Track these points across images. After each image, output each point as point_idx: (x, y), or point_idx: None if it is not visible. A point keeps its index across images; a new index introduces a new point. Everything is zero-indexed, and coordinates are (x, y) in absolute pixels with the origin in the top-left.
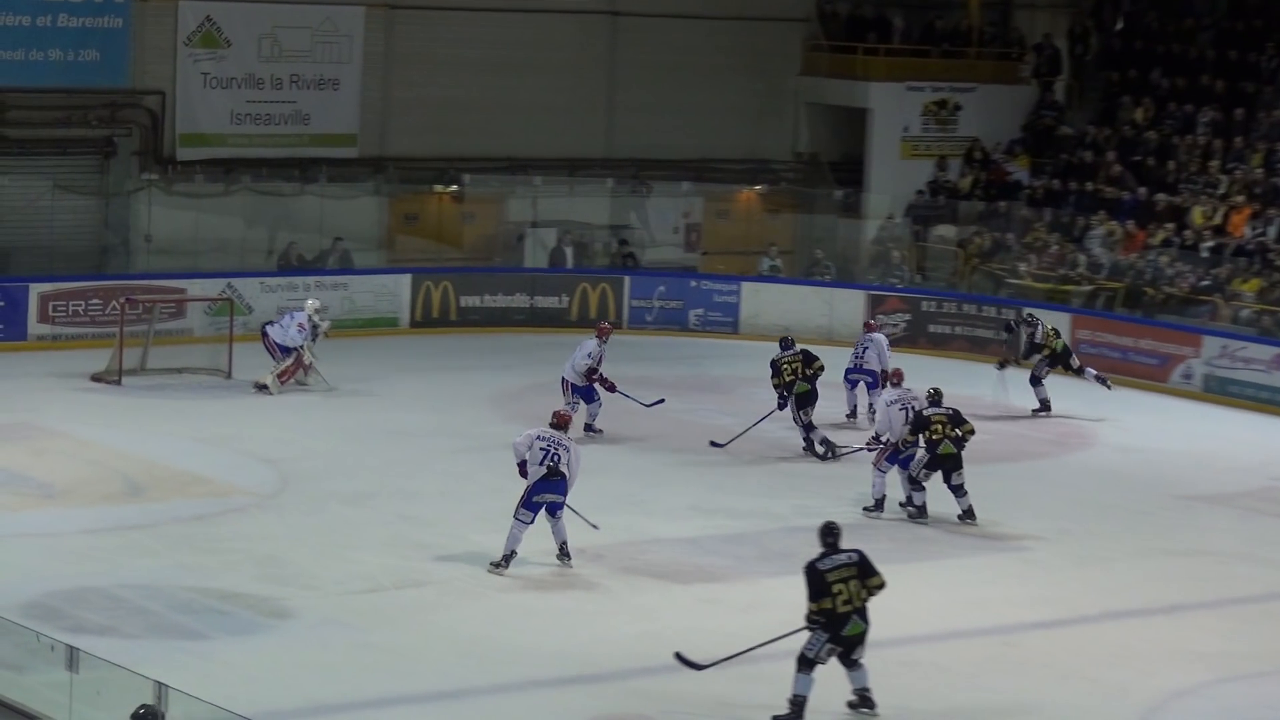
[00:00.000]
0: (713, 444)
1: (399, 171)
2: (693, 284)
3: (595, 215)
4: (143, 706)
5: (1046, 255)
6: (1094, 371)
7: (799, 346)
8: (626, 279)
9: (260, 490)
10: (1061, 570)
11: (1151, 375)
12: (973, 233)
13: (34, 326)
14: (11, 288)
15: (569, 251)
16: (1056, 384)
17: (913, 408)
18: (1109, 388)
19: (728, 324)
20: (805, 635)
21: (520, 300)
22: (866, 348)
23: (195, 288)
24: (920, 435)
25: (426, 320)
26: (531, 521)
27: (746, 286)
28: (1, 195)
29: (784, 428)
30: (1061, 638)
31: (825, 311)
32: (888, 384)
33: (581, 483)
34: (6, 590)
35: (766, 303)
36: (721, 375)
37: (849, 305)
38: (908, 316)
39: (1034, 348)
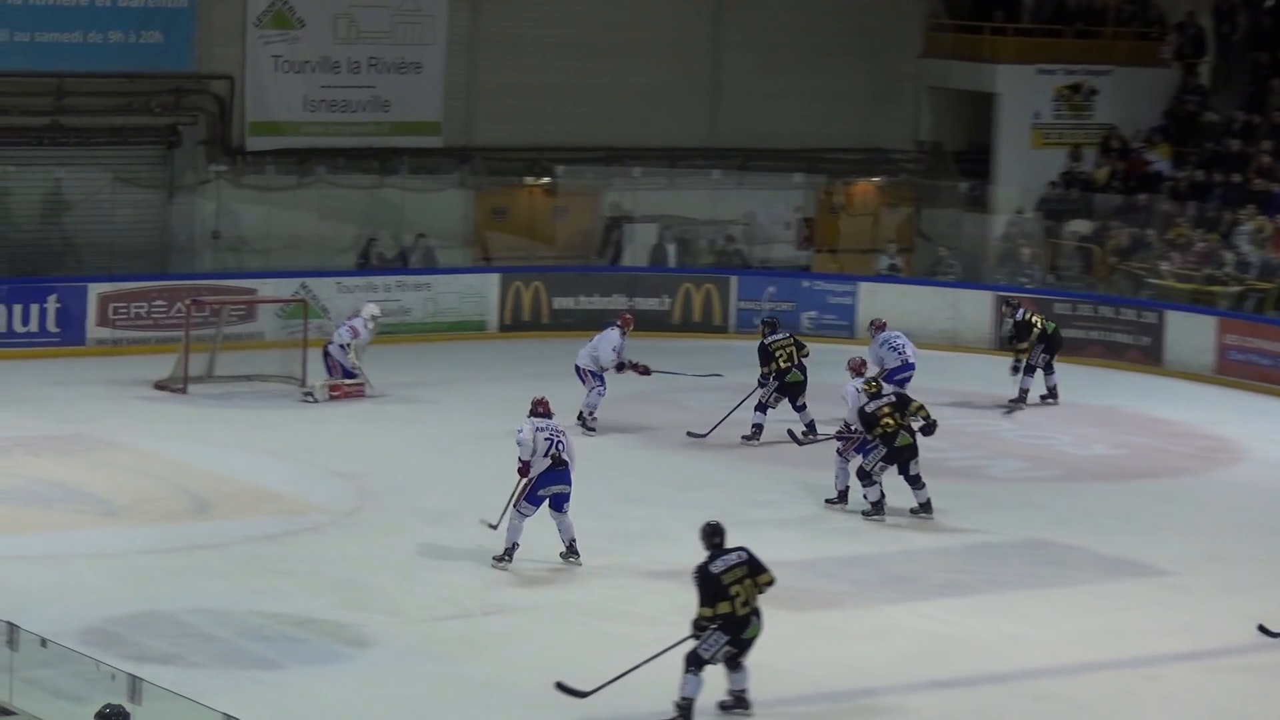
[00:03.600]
0: (690, 434)
1: (486, 162)
2: (805, 284)
3: (699, 209)
4: (108, 706)
5: (1190, 253)
6: (1056, 381)
7: (785, 331)
8: (733, 279)
9: (337, 507)
10: (1208, 597)
11: None
12: (1109, 228)
13: (93, 330)
14: (69, 288)
15: (671, 249)
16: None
17: (889, 397)
18: (1045, 399)
19: (843, 328)
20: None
21: (618, 302)
22: (902, 342)
23: (266, 288)
24: (874, 431)
25: (516, 323)
26: (533, 514)
27: (863, 287)
28: (58, 188)
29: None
30: (1208, 671)
31: (949, 314)
32: (851, 373)
33: (687, 498)
34: (64, 615)
35: (885, 304)
36: (836, 383)
37: (975, 307)
38: None
39: (1020, 326)
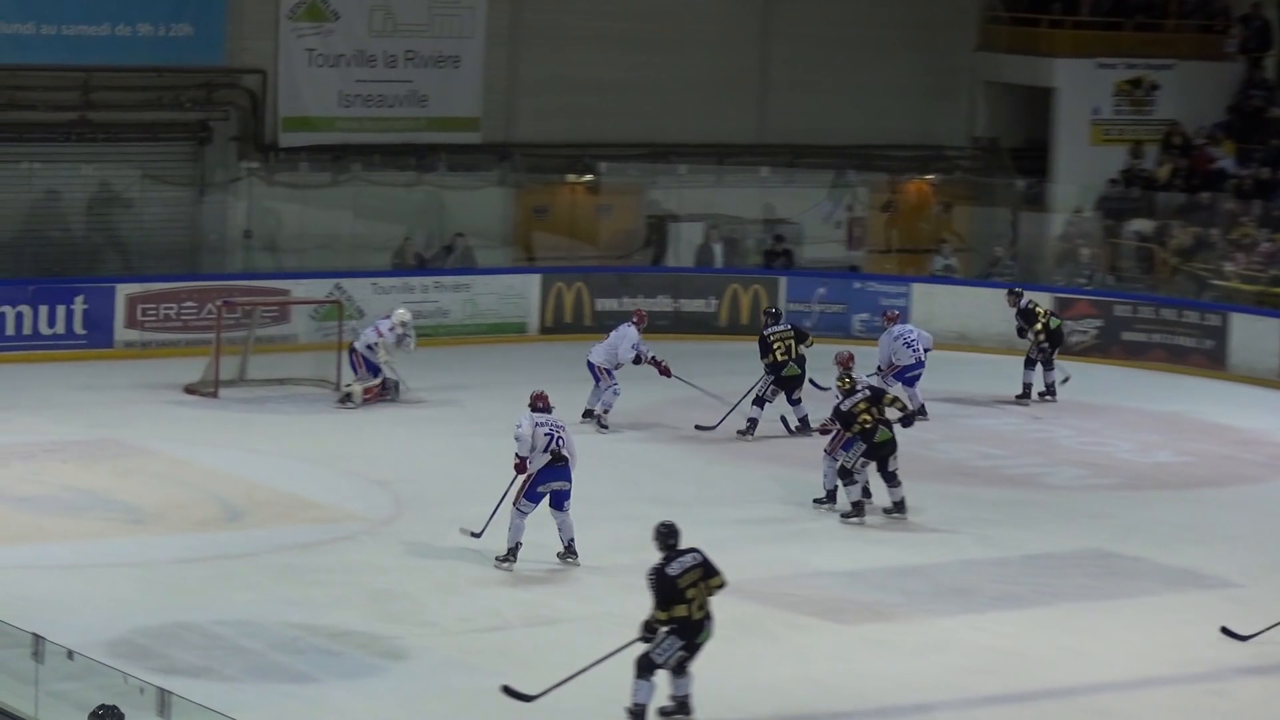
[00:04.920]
0: (698, 427)
1: (527, 159)
2: (857, 285)
3: (746, 208)
4: (102, 707)
5: (1256, 253)
6: (1055, 378)
7: (787, 320)
8: (782, 280)
9: (373, 516)
10: (1276, 609)
11: None
12: (1172, 228)
13: (121, 332)
14: (96, 289)
15: (717, 249)
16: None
17: (864, 392)
18: (1044, 396)
19: None
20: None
21: (663, 303)
22: (915, 338)
23: (300, 289)
24: (853, 428)
25: (558, 325)
26: (532, 511)
27: (917, 288)
28: (85, 185)
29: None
30: (1276, 686)
31: (1005, 316)
32: (839, 368)
33: (736, 510)
34: (91, 626)
35: (940, 306)
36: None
37: None
38: (1099, 322)
39: (1025, 314)
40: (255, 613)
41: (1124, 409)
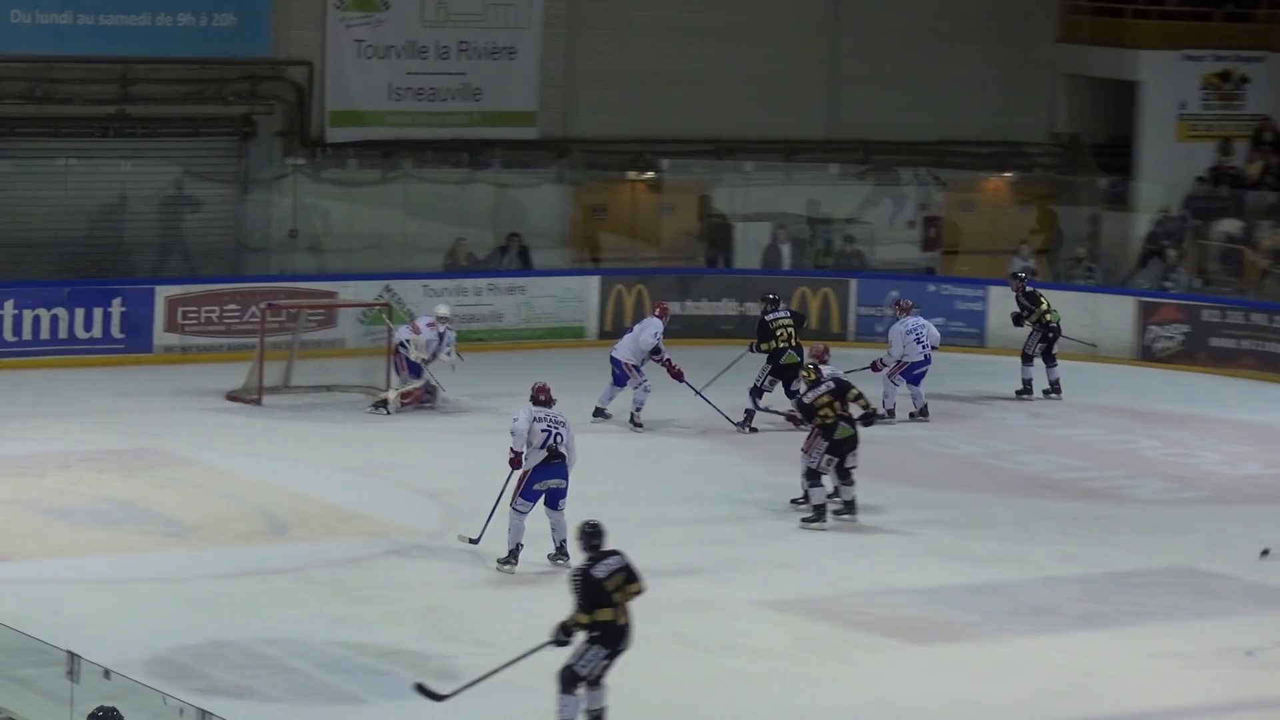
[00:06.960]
0: (698, 393)
1: (585, 156)
2: (931, 288)
3: (815, 207)
4: (101, 708)
5: None
6: (1059, 374)
7: (786, 306)
8: (853, 282)
9: (423, 529)
10: None
11: None
12: (1263, 228)
13: (160, 336)
14: (135, 291)
15: (785, 249)
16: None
17: (829, 385)
18: (1048, 394)
19: (972, 335)
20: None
21: (728, 307)
22: (927, 333)
23: (348, 291)
24: (814, 422)
25: (617, 329)
26: (530, 510)
27: (994, 291)
28: (124, 183)
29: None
30: None
31: (1088, 321)
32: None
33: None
34: (130, 644)
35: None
36: (965, 396)
37: (1116, 314)
38: (1185, 328)
39: (1030, 297)
40: (300, 631)
41: (1212, 419)
